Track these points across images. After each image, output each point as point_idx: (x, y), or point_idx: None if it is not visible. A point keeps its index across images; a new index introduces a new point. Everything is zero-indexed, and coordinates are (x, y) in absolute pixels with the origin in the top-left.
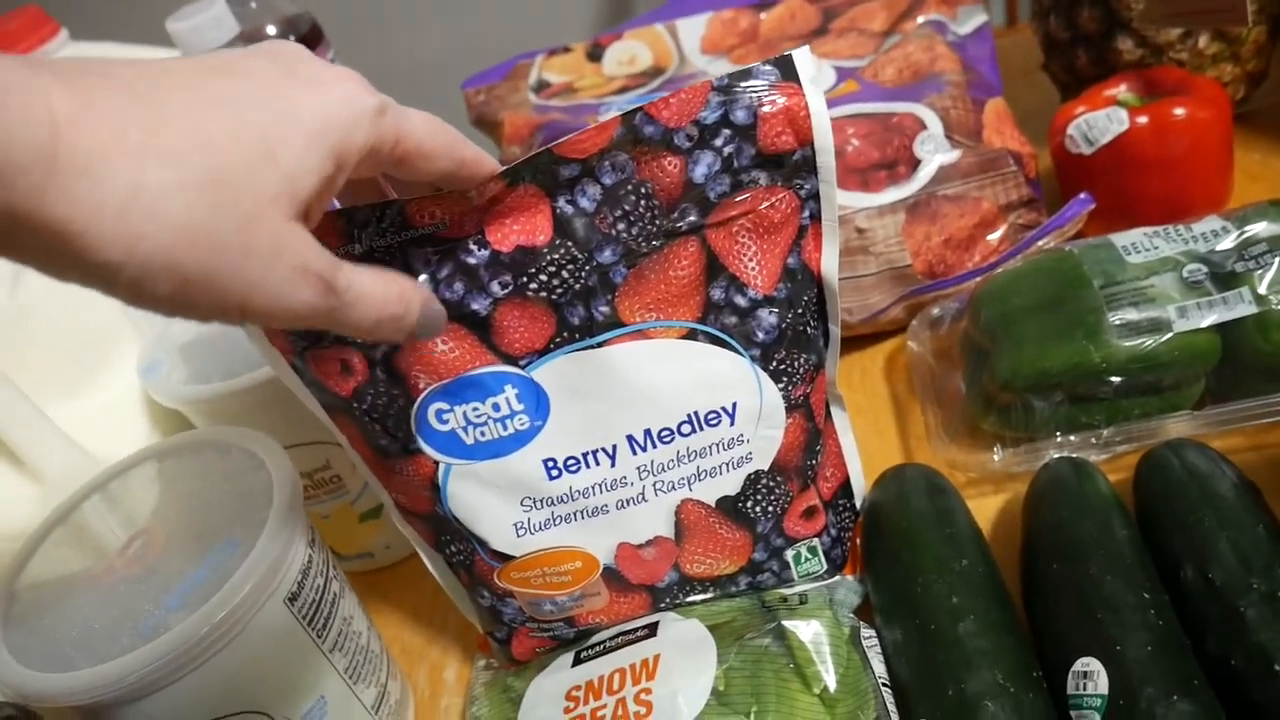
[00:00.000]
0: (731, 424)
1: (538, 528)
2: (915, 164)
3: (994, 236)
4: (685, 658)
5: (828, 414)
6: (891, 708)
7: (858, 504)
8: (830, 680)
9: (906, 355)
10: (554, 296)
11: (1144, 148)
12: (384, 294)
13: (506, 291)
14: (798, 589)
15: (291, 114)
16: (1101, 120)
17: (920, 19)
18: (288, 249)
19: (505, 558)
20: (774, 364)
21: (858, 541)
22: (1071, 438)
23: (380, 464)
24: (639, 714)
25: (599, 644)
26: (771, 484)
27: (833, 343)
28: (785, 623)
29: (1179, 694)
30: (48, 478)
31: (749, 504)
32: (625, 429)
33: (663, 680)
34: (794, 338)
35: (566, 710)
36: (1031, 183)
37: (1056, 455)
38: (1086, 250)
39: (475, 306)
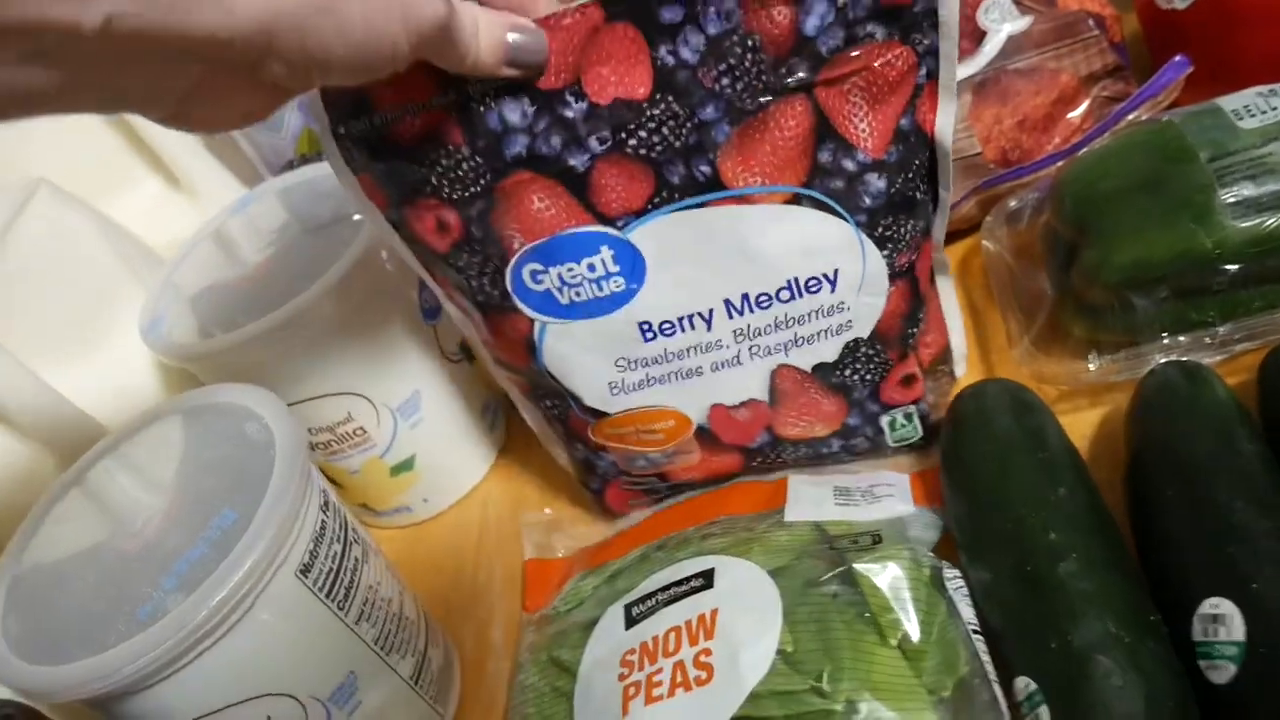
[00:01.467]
0: (832, 291)
1: (632, 387)
2: (980, 36)
3: (1076, 113)
4: (746, 611)
5: (931, 281)
6: (986, 658)
7: (957, 370)
8: (912, 629)
9: (982, 256)
10: (653, 154)
11: None
12: (469, 13)
13: (605, 148)
14: (872, 524)
15: None
16: None
17: None
18: None
19: (599, 414)
20: (879, 230)
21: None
22: (1181, 338)
23: (477, 317)
24: (699, 679)
25: (651, 596)
26: (870, 352)
27: (941, 207)
28: (856, 566)
29: None
30: (24, 424)
31: (846, 372)
32: (722, 293)
33: (722, 639)
34: (902, 203)
35: (621, 677)
36: (1116, 48)
37: (1163, 360)
38: (1189, 118)
39: (573, 163)
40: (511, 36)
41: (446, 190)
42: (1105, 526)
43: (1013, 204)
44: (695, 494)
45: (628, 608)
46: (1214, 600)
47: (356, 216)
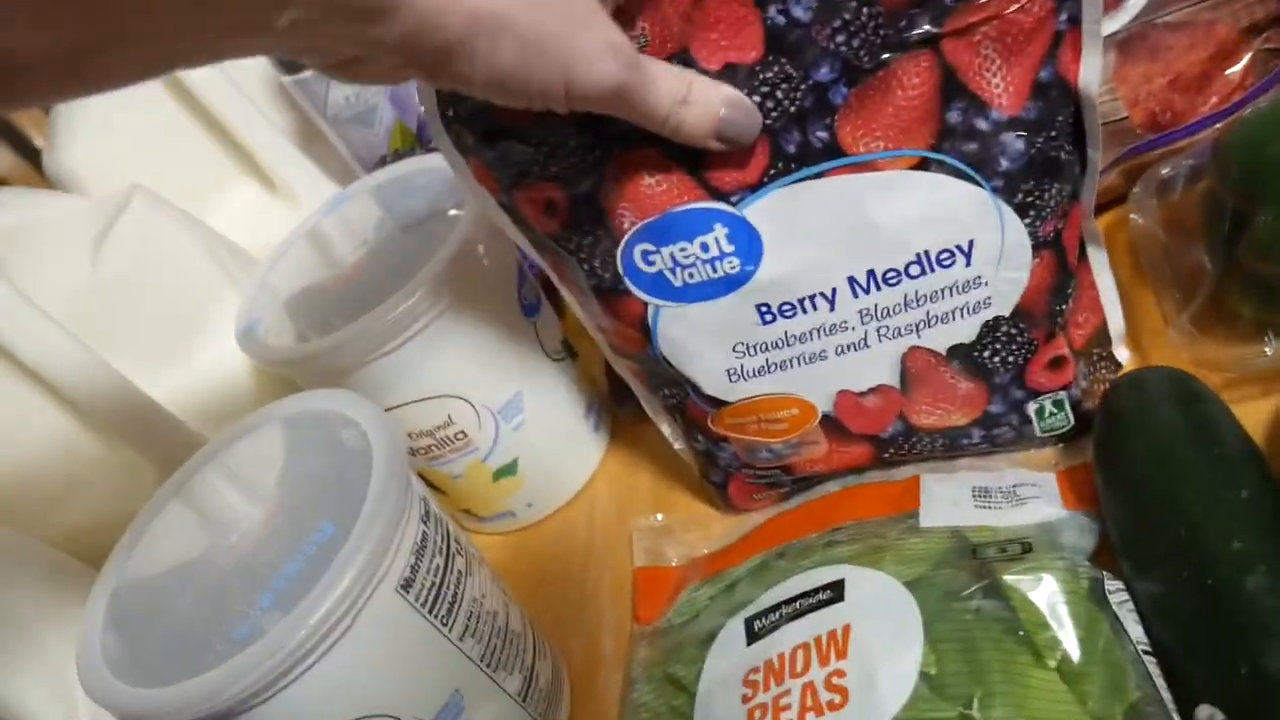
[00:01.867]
0: (968, 265)
1: (751, 374)
2: None
3: (1235, 69)
4: (882, 627)
5: (1082, 252)
6: (1160, 682)
7: (1118, 354)
8: (1072, 648)
9: (1130, 230)
10: (768, 121)
11: None
12: (676, 78)
13: None
14: (1018, 530)
15: None
16: None
17: None
18: (598, 20)
19: (718, 402)
20: (1020, 196)
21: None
22: None
23: (591, 302)
24: (833, 703)
25: (775, 609)
26: (1013, 331)
27: (1090, 169)
28: (1005, 578)
29: None
30: (123, 434)
31: (986, 353)
32: (846, 270)
33: (857, 659)
34: (1044, 165)
35: (745, 699)
36: None
37: None
38: None
39: None
40: (724, 112)
41: (555, 169)
42: None
43: (1165, 172)
44: (816, 495)
45: (749, 621)
46: None
47: (452, 211)
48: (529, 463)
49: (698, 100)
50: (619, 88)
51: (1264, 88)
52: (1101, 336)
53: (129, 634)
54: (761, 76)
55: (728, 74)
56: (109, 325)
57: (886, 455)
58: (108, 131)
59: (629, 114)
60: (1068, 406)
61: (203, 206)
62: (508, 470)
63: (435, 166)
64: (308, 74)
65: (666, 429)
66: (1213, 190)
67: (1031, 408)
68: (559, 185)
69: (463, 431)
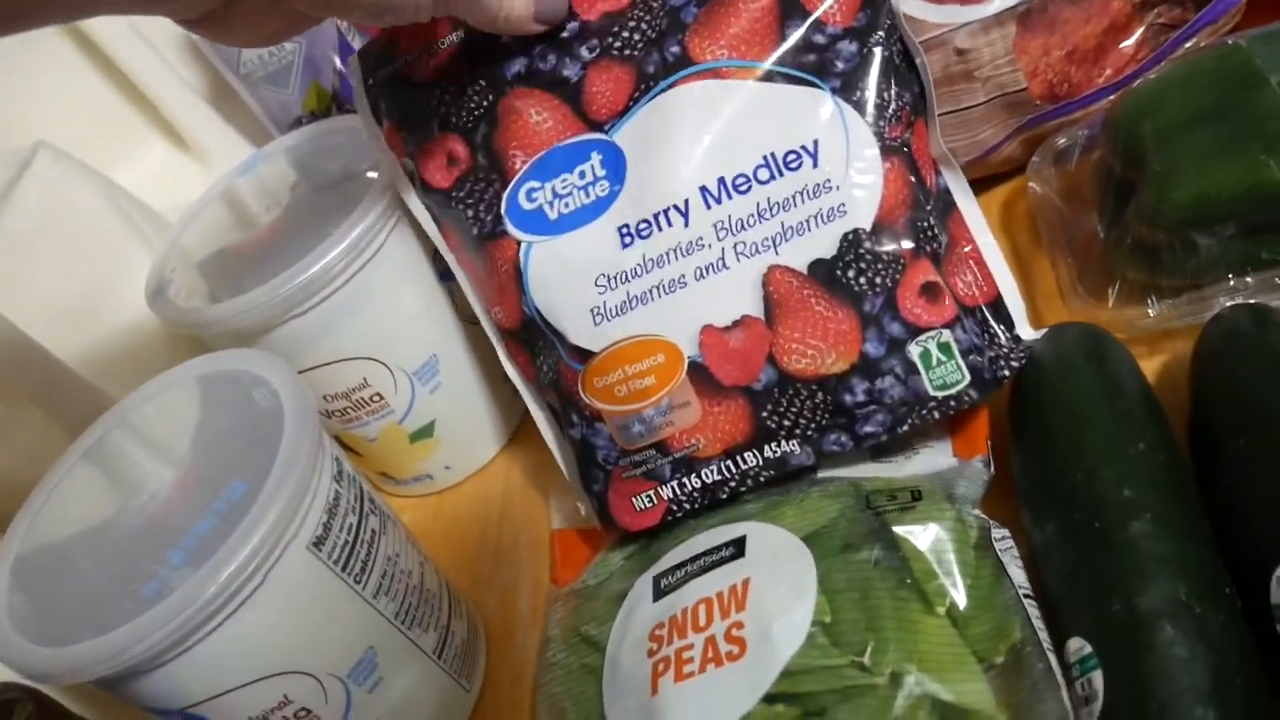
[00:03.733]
0: (814, 165)
1: (614, 312)
2: None
3: (1129, 43)
4: (779, 580)
5: (937, 170)
6: (1039, 625)
7: (1021, 333)
8: (959, 595)
9: (1028, 198)
10: (634, 52)
11: None
12: None
13: (594, 55)
14: (911, 480)
15: None
16: None
17: None
18: None
19: (586, 354)
20: (858, 94)
21: (990, 415)
22: (1248, 279)
23: (473, 261)
24: (731, 654)
25: (681, 566)
26: (875, 247)
27: (926, 88)
28: (897, 528)
29: None
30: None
31: (850, 272)
32: (698, 179)
33: (754, 610)
34: (881, 67)
35: (650, 653)
36: None
37: (1230, 303)
38: (1258, 41)
39: (566, 73)
40: None
41: (455, 119)
42: (1183, 486)
43: (1061, 142)
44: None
45: (656, 579)
46: None
47: (369, 174)
48: (445, 426)
49: None
50: None
51: (1154, 61)
52: (998, 307)
53: (36, 595)
54: (632, 14)
55: (605, 21)
56: (13, 284)
57: (765, 415)
58: (9, 87)
59: (476, 13)
60: (956, 353)
61: (111, 164)
62: (424, 433)
63: (350, 127)
64: None
65: (549, 435)
66: (1104, 160)
67: (914, 350)
68: (459, 136)
69: (378, 394)
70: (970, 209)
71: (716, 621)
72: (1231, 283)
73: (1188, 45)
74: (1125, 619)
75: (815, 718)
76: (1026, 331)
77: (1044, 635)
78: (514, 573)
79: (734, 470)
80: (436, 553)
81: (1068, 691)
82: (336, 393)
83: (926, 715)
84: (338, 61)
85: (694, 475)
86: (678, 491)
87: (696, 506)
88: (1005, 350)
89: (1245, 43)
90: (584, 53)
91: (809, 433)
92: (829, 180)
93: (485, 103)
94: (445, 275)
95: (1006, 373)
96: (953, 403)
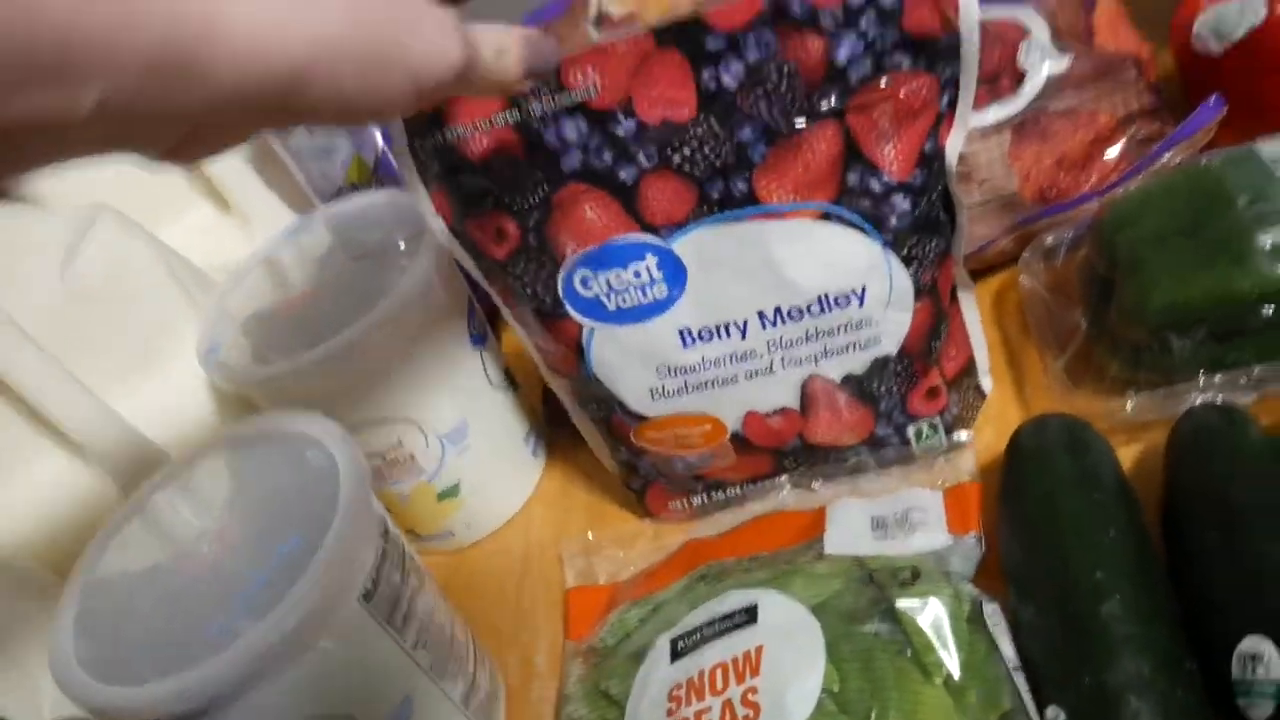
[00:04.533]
0: (860, 306)
1: (671, 393)
2: (1020, 76)
3: (1112, 153)
4: (790, 649)
5: (954, 296)
6: (1026, 695)
7: (983, 384)
8: (954, 667)
9: (1019, 292)
10: (696, 171)
11: None
12: (495, 35)
13: (652, 164)
14: (911, 558)
15: None
16: (1233, 12)
17: None
18: (426, 10)
19: (640, 418)
20: (906, 249)
21: (982, 491)
22: (1217, 379)
23: (532, 324)
24: (747, 717)
25: (696, 631)
26: (898, 368)
27: (960, 227)
28: (898, 603)
29: None
30: (89, 448)
31: (875, 384)
32: (756, 305)
33: (768, 677)
34: (926, 223)
35: (669, 713)
36: (1153, 89)
37: (1201, 400)
38: (1227, 162)
39: (622, 176)
40: (524, 50)
41: (507, 200)
42: (1151, 570)
43: (1049, 240)
44: (734, 525)
45: (673, 642)
46: (1253, 639)
47: (402, 244)
48: (471, 485)
49: (506, 48)
50: (461, 68)
51: (1135, 171)
52: (970, 369)
53: (100, 637)
54: (693, 132)
55: (664, 129)
56: (75, 340)
57: (785, 465)
58: None
59: (468, 90)
60: (941, 429)
61: (157, 222)
62: (451, 492)
63: (388, 201)
64: None
65: (591, 439)
66: (1089, 260)
67: (911, 430)
68: (510, 215)
69: (412, 454)
70: (967, 300)
71: (732, 686)
72: (1202, 381)
73: (1165, 158)
74: (1095, 692)
75: None
76: (988, 384)
77: (1030, 705)
78: (532, 629)
79: (751, 486)
80: (457, 606)
81: None
82: (373, 452)
83: None
84: (379, 138)
85: (720, 490)
86: (705, 500)
87: (712, 504)
88: (973, 406)
89: (1216, 164)
90: (642, 159)
91: (815, 470)
92: (869, 318)
93: (541, 192)
94: (477, 341)
95: (970, 430)
96: (929, 453)
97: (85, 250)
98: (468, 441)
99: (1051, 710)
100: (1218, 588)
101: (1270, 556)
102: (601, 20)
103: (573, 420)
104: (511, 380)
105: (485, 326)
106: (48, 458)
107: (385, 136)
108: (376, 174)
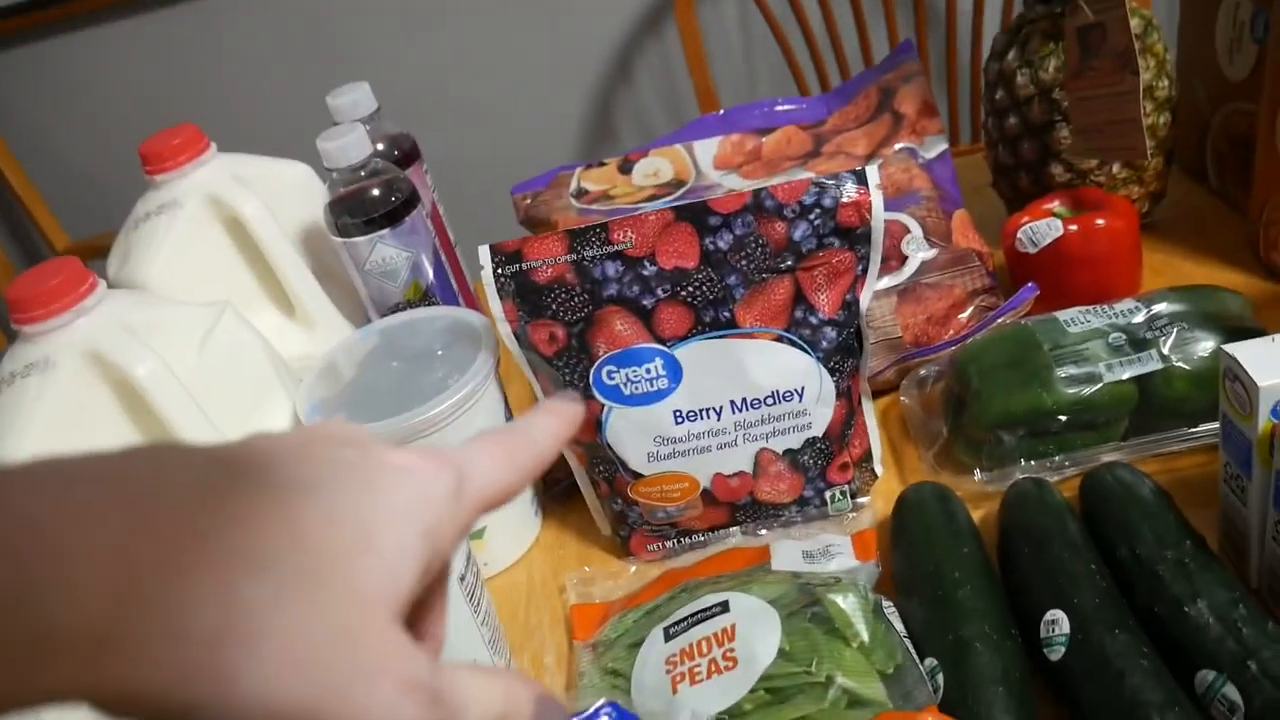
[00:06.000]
0: (800, 400)
1: (663, 457)
2: (903, 259)
3: (964, 315)
4: (755, 624)
5: (859, 401)
6: (912, 652)
7: (877, 468)
8: (865, 635)
9: (900, 407)
10: (695, 302)
11: (1075, 248)
12: (488, 694)
13: (665, 295)
14: (832, 573)
15: (382, 498)
16: (1042, 228)
17: (896, 146)
18: (392, 666)
19: (638, 475)
20: (831, 363)
21: (877, 537)
22: (1032, 463)
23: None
24: (727, 667)
25: (683, 620)
26: (822, 447)
27: (865, 353)
28: (827, 596)
29: (1119, 629)
30: None
31: (805, 457)
32: (729, 395)
33: (741, 641)
34: (845, 347)
35: (667, 671)
36: (990, 274)
37: (1022, 475)
38: (1038, 324)
39: (645, 302)
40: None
41: (561, 313)
42: (988, 570)
43: (921, 373)
44: (700, 556)
45: (665, 629)
46: (1053, 611)
47: (439, 353)
48: (493, 531)
49: (513, 712)
50: None
51: (979, 329)
52: (868, 455)
53: None
54: (696, 277)
55: (676, 273)
56: (205, 396)
57: (738, 517)
58: (175, 257)
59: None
60: (848, 496)
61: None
62: (477, 535)
63: (433, 316)
64: (358, 239)
65: (589, 495)
66: (949, 385)
67: (828, 494)
68: (561, 324)
69: None
70: (868, 406)
71: (715, 649)
72: (1022, 464)
73: (999, 321)
74: (955, 644)
75: (782, 703)
76: (880, 468)
77: (915, 658)
78: (540, 639)
79: (711, 534)
80: None
81: (929, 686)
82: None
83: (847, 703)
84: (429, 270)
85: (687, 536)
86: (676, 544)
87: (681, 548)
88: (868, 482)
89: (1030, 324)
90: (659, 291)
91: (758, 522)
92: (805, 410)
93: (585, 310)
94: (509, 419)
95: (867, 498)
96: (839, 513)
97: (216, 334)
98: None
99: (929, 661)
100: (1031, 586)
101: (1061, 563)
102: (581, 194)
103: (578, 482)
104: None
105: (510, 412)
106: None
107: (437, 269)
108: (427, 295)
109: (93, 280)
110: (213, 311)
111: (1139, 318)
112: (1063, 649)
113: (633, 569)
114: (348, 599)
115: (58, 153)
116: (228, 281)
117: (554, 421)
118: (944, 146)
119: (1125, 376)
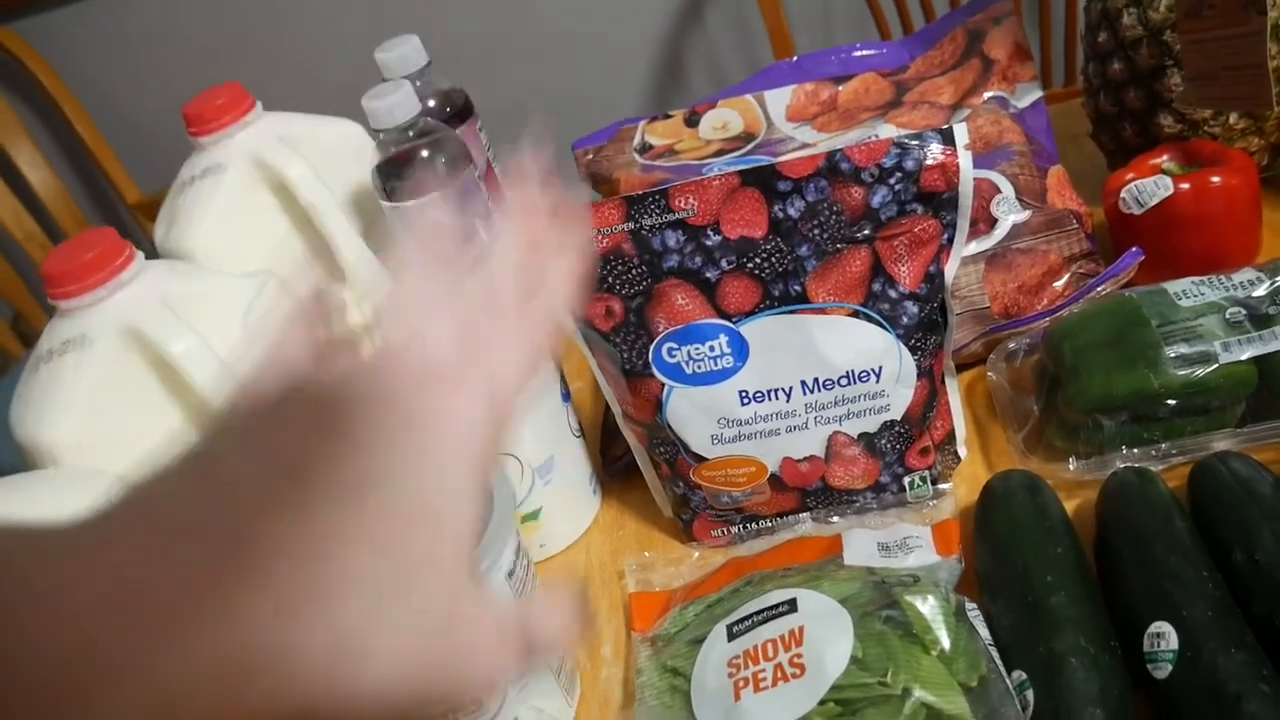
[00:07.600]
0: (877, 380)
1: (728, 440)
2: (993, 222)
3: (1059, 284)
4: (825, 627)
5: (943, 380)
6: (998, 662)
7: (960, 451)
8: (945, 643)
9: (987, 383)
10: (763, 275)
11: (1186, 209)
12: (554, 617)
13: (730, 267)
14: (910, 570)
15: (431, 460)
16: (1149, 186)
17: (985, 94)
18: (482, 631)
19: (700, 459)
20: (912, 341)
21: (960, 527)
22: (1134, 451)
23: (621, 383)
24: (795, 674)
25: (748, 618)
26: (900, 430)
27: (949, 329)
28: (905, 598)
29: (1235, 647)
30: None
31: (882, 442)
32: (799, 375)
33: (810, 646)
34: (927, 323)
35: (730, 675)
36: (1089, 238)
37: (1123, 465)
38: (1144, 295)
39: (708, 275)
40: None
41: (618, 287)
42: (1085, 573)
43: (1011, 346)
44: (768, 545)
45: (729, 627)
46: (1158, 623)
47: None
48: (549, 511)
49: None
50: (519, 669)
51: (1076, 298)
52: (951, 437)
53: None
54: (764, 248)
55: (742, 243)
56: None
57: (808, 503)
58: (221, 223)
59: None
60: (929, 481)
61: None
62: (533, 516)
63: None
64: (408, 203)
65: (650, 476)
66: (1041, 362)
67: (906, 480)
68: (618, 298)
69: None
70: (952, 385)
71: (781, 653)
72: (1123, 452)
73: (1099, 290)
74: (1047, 657)
75: (852, 716)
76: (963, 451)
77: (1001, 669)
78: (598, 627)
79: (779, 520)
80: None
81: (1017, 702)
82: None
83: (925, 718)
84: (483, 235)
85: (754, 522)
86: (741, 530)
87: (747, 534)
88: (951, 466)
89: (1136, 296)
90: (724, 263)
91: (830, 508)
92: (883, 391)
93: (644, 284)
94: (565, 398)
95: (949, 484)
96: (918, 499)
97: (258, 304)
98: (552, 475)
99: (1017, 673)
100: (1134, 591)
101: (1168, 567)
102: (645, 149)
103: (637, 461)
104: (584, 432)
105: (567, 386)
106: None
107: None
108: None
109: (130, 252)
110: (256, 282)
111: (1260, 290)
112: (1169, 666)
113: (695, 555)
114: (434, 587)
115: (125, 107)
116: (276, 247)
117: (567, 263)
118: (1038, 94)
119: (1244, 357)
